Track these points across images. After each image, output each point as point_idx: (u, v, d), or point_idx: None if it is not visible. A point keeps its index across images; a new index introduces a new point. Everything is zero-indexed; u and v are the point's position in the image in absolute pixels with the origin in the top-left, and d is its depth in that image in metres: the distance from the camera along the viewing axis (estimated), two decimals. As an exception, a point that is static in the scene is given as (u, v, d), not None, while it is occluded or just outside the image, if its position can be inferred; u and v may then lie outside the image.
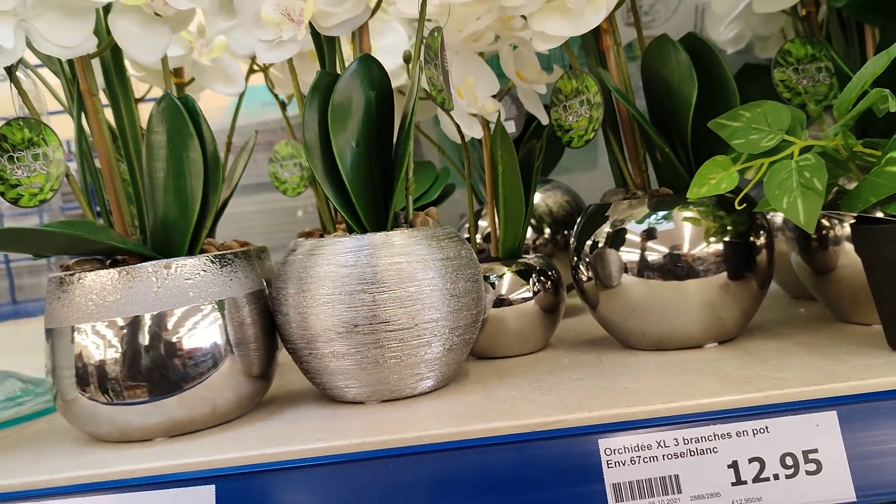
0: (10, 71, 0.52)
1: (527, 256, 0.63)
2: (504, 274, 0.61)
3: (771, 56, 0.74)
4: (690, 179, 0.54)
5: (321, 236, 0.55)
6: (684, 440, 0.42)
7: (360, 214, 0.50)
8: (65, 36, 0.50)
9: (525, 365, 0.58)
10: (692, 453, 0.41)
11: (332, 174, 0.50)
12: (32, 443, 0.52)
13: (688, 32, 0.57)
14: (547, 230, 0.79)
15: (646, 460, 0.41)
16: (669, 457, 0.41)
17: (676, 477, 0.41)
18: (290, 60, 0.55)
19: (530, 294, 0.61)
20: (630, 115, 0.59)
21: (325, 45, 0.56)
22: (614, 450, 0.42)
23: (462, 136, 0.64)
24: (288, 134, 0.82)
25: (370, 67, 0.51)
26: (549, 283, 0.61)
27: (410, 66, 0.60)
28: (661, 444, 0.42)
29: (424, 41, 0.51)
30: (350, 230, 0.54)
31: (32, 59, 0.59)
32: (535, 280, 0.61)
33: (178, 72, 0.69)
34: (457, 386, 0.53)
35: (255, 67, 0.73)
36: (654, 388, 0.46)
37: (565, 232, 0.79)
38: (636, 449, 0.42)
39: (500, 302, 0.60)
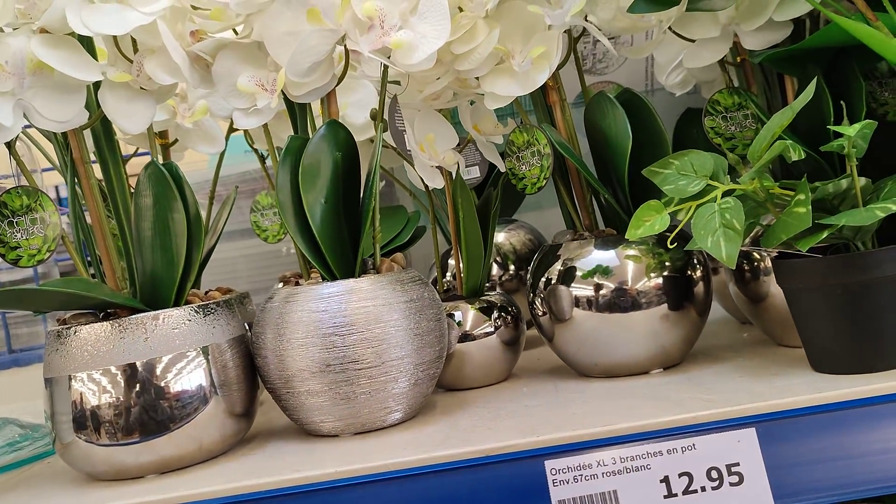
0: (10, 146, 0.57)
1: (489, 294, 0.68)
2: (468, 311, 0.66)
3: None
4: (629, 221, 0.59)
5: (297, 283, 0.60)
6: (621, 458, 0.47)
7: (330, 264, 0.56)
8: (59, 111, 0.55)
9: (488, 395, 0.63)
10: (628, 470, 0.47)
11: (304, 228, 0.56)
12: (34, 484, 0.57)
13: (624, 88, 0.63)
14: (511, 267, 0.84)
15: (587, 478, 0.46)
16: (608, 474, 0.46)
17: (615, 493, 0.46)
18: (265, 125, 0.61)
19: (492, 329, 0.66)
20: (576, 164, 0.65)
21: (296, 109, 0.61)
22: (559, 469, 0.47)
23: (426, 185, 0.69)
24: (268, 184, 0.88)
25: (337, 131, 0.57)
26: (510, 318, 0.67)
27: (375, 123, 0.66)
28: (601, 462, 0.47)
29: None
30: (323, 278, 0.59)
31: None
32: (497, 316, 0.66)
33: (162, 134, 0.75)
34: (424, 417, 0.58)
35: (235, 127, 0.79)
36: (600, 413, 0.52)
37: (521, 272, 0.85)
38: (578, 468, 0.47)
39: (465, 337, 0.66)
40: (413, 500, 0.46)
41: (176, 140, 0.73)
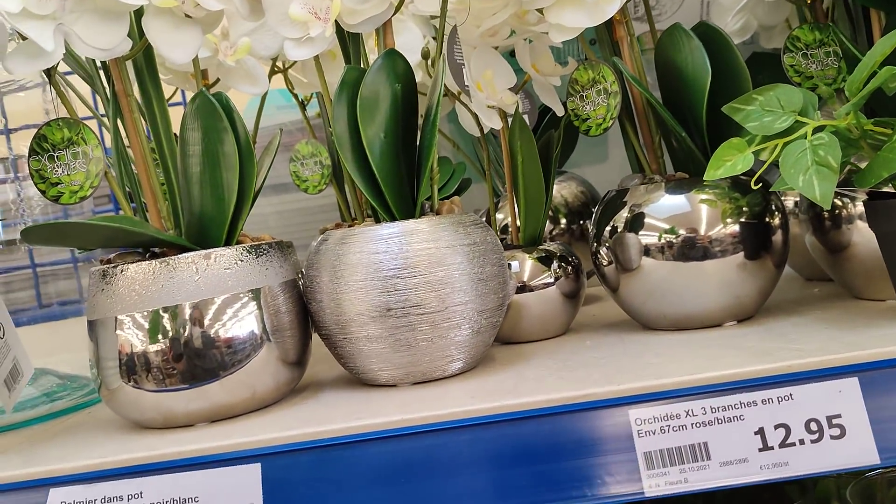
0: (50, 74, 0.54)
1: (546, 244, 0.65)
2: (525, 260, 0.63)
3: (777, 46, 0.76)
4: (705, 164, 0.55)
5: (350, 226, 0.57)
6: (711, 409, 0.43)
7: (390, 203, 0.52)
8: (101, 38, 0.52)
9: (549, 348, 0.59)
10: (719, 421, 0.43)
11: (362, 165, 0.52)
12: (78, 432, 0.54)
13: (699, 21, 0.59)
14: (563, 220, 0.81)
15: (675, 429, 0.43)
16: (698, 425, 0.43)
17: (705, 444, 0.43)
18: (316, 58, 0.57)
19: (552, 280, 0.62)
20: (645, 103, 0.61)
21: (349, 41, 0.58)
22: (644, 420, 0.43)
23: (481, 129, 0.65)
24: (308, 133, 0.84)
25: (395, 62, 0.53)
26: (570, 268, 0.63)
27: (433, 61, 0.62)
28: (690, 413, 0.43)
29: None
30: (377, 220, 0.56)
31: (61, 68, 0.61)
32: (557, 266, 0.63)
33: (203, 73, 0.71)
34: (484, 368, 0.55)
35: (277, 68, 0.75)
36: (679, 362, 0.48)
37: (580, 222, 0.81)
38: (665, 419, 0.43)
39: (522, 288, 0.62)
40: (487, 450, 0.43)
41: (217, 80, 0.70)
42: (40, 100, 0.84)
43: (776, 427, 0.43)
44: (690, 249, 0.57)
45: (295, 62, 0.77)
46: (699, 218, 0.57)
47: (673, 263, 0.57)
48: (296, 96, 0.82)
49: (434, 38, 0.78)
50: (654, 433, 0.43)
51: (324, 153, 0.81)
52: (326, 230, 0.83)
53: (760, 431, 0.43)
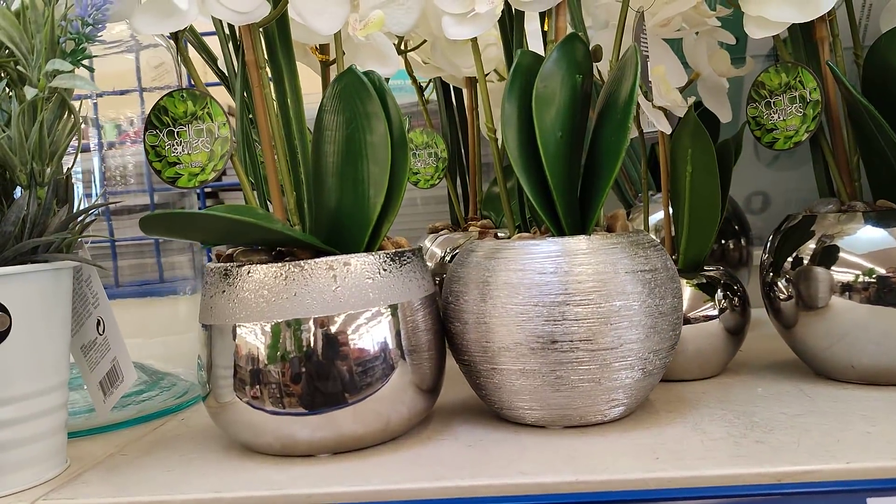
0: (178, 38, 0.47)
1: (708, 268, 0.56)
2: (685, 288, 0.54)
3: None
4: (925, 192, 0.47)
5: (496, 236, 0.49)
6: (972, 506, 0.35)
7: (560, 213, 0.44)
8: (239, 0, 0.45)
9: (713, 392, 0.51)
10: (982, 522, 0.35)
11: (531, 166, 0.44)
12: (176, 448, 0.48)
13: (927, 23, 0.50)
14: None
15: (924, 527, 0.35)
16: (954, 525, 0.35)
17: (963, 550, 0.34)
18: (474, 39, 0.50)
19: (715, 312, 0.54)
20: (843, 117, 0.52)
21: (510, 23, 0.50)
22: (886, 512, 0.35)
23: (640, 130, 0.57)
24: (424, 121, 0.77)
25: (576, 48, 0.45)
26: (737, 299, 0.55)
27: (612, 53, 0.54)
28: (944, 508, 0.35)
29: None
30: (525, 229, 0.48)
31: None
32: (721, 296, 0.54)
33: (323, 48, 0.64)
34: (647, 414, 0.47)
35: (401, 48, 0.68)
36: (908, 436, 0.40)
37: (722, 241, 0.72)
38: (913, 513, 0.35)
39: (678, 319, 0.54)
40: (688, 531, 0.35)
41: (343, 53, 0.62)
42: (130, 64, 0.78)
43: None
44: (894, 293, 0.48)
45: (421, 43, 0.70)
46: (908, 256, 0.48)
47: (871, 307, 0.49)
48: (415, 80, 0.75)
49: (570, 25, 0.70)
50: (897, 530, 0.35)
51: (440, 144, 0.74)
52: (437, 229, 0.76)
53: None
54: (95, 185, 0.66)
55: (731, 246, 0.72)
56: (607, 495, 0.36)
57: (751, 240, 0.74)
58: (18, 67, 0.40)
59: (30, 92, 0.39)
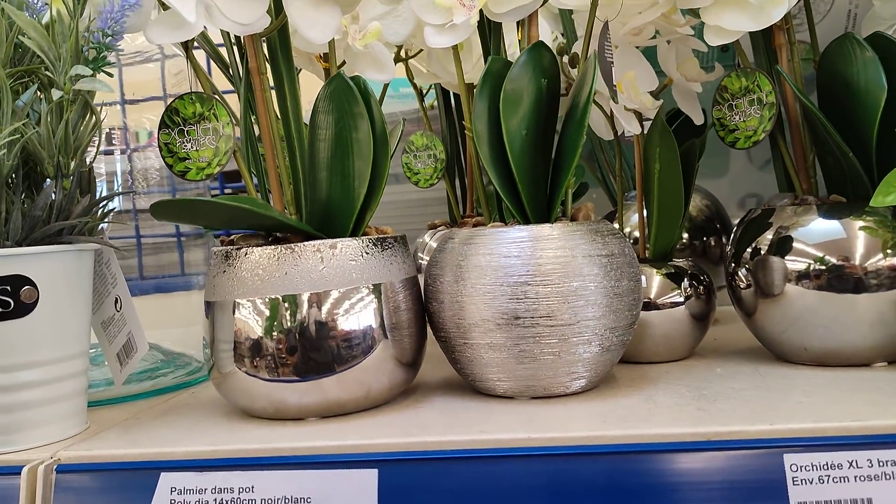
0: (187, 46, 0.53)
1: (678, 259, 0.60)
2: (653, 276, 0.59)
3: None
4: (870, 187, 0.51)
5: (476, 225, 0.54)
6: (879, 462, 0.39)
7: (525, 203, 0.49)
8: (242, 12, 0.50)
9: (676, 372, 0.55)
10: (888, 477, 0.39)
11: (499, 161, 0.49)
12: (185, 413, 0.53)
13: (874, 32, 0.54)
14: (685, 234, 0.76)
15: (835, 480, 0.39)
16: (862, 478, 0.39)
17: (870, 500, 0.38)
18: (454, 46, 0.55)
19: (681, 299, 0.58)
20: (801, 117, 0.56)
21: (489, 32, 0.55)
22: (801, 466, 0.39)
23: (615, 132, 0.62)
24: (423, 125, 0.82)
25: (542, 55, 0.50)
26: (702, 288, 0.59)
27: (571, 58, 0.59)
28: (854, 464, 0.39)
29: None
30: (503, 220, 0.53)
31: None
32: (687, 284, 0.59)
33: (325, 56, 0.69)
34: (609, 388, 0.52)
35: (402, 56, 0.73)
36: (837, 406, 0.44)
37: (704, 238, 0.76)
38: (825, 468, 0.39)
39: (648, 305, 0.58)
40: (621, 482, 0.40)
41: (342, 63, 0.68)
42: (156, 73, 0.84)
43: (956, 491, 0.38)
44: (842, 280, 0.52)
45: (420, 51, 0.75)
46: (855, 246, 0.52)
47: (821, 293, 0.53)
48: (415, 86, 0.80)
49: (562, 35, 0.75)
50: (810, 482, 0.39)
51: (438, 146, 0.79)
52: (436, 226, 0.81)
53: (936, 494, 0.38)
54: (118, 184, 0.72)
55: (713, 243, 0.76)
56: (553, 449, 0.41)
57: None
58: (47, 73, 0.46)
59: (56, 94, 0.45)
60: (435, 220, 0.81)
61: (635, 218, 0.73)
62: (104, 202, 0.50)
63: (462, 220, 0.79)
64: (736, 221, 0.83)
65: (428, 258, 0.77)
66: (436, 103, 0.83)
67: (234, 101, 0.58)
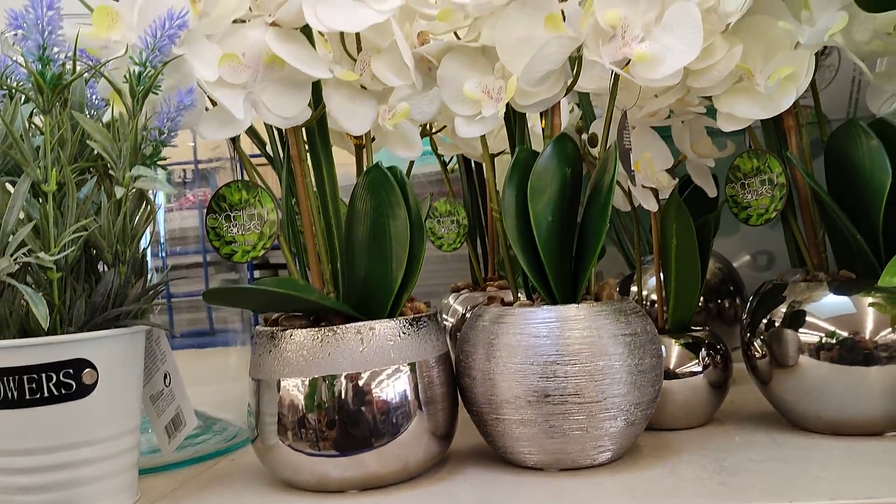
0: (235, 140, 0.56)
1: (696, 329, 0.63)
2: (672, 346, 0.62)
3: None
4: (877, 265, 0.54)
5: (503, 302, 0.57)
6: (894, 539, 0.41)
7: (552, 284, 0.52)
8: (286, 107, 0.54)
9: (696, 440, 0.58)
10: (902, 554, 0.41)
11: (527, 244, 0.52)
12: (229, 484, 0.56)
13: (878, 118, 0.57)
14: (700, 299, 0.79)
15: (853, 557, 0.41)
16: (878, 556, 0.41)
17: (885, 577, 0.41)
18: (483, 136, 0.58)
19: (699, 368, 0.61)
20: (812, 197, 0.59)
21: (514, 121, 0.58)
22: (820, 544, 0.41)
23: (633, 206, 0.65)
24: (447, 190, 0.86)
25: (566, 145, 0.53)
26: (719, 357, 0.62)
27: (590, 139, 0.62)
28: (870, 541, 0.41)
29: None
30: (528, 297, 0.56)
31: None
32: (705, 354, 0.61)
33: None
34: (633, 459, 0.54)
35: (426, 131, 0.77)
36: (851, 481, 0.46)
37: (718, 300, 0.79)
38: (843, 545, 0.41)
39: (667, 374, 0.61)
40: (652, 557, 0.42)
41: (373, 139, 0.72)
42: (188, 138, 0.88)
43: (967, 568, 0.40)
44: (854, 353, 0.54)
45: (444, 126, 0.79)
46: (865, 321, 0.55)
47: (833, 366, 0.55)
48: (440, 157, 0.84)
49: (578, 106, 0.79)
50: (830, 559, 0.41)
51: (461, 213, 0.82)
52: (459, 288, 0.84)
53: (949, 571, 0.40)
54: (162, 245, 0.75)
55: (727, 305, 0.79)
56: (585, 526, 0.43)
57: (745, 298, 0.81)
58: (109, 171, 0.50)
59: (119, 191, 0.49)
60: (458, 283, 0.85)
61: (652, 281, 0.76)
62: (157, 287, 0.54)
63: (486, 283, 0.83)
64: (747, 280, 0.86)
65: (452, 320, 0.81)
66: (457, 167, 0.87)
67: (266, 173, 0.62)
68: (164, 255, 0.85)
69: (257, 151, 0.65)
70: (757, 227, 1.00)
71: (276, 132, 0.59)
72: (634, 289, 0.79)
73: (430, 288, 0.96)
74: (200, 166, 0.83)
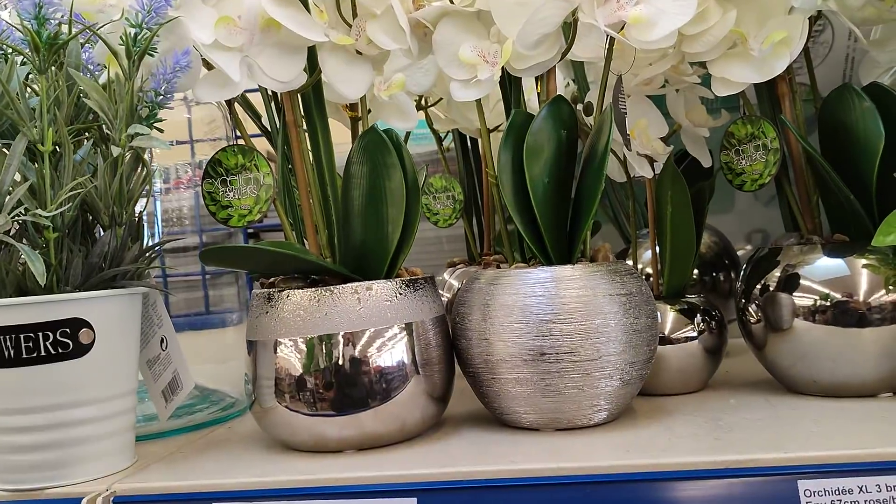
0: (230, 103, 0.56)
1: (690, 296, 0.64)
2: (668, 312, 0.62)
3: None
4: (871, 228, 0.54)
5: (498, 266, 0.57)
6: (887, 487, 0.41)
7: (548, 246, 0.52)
8: (281, 71, 0.54)
9: (691, 403, 0.58)
10: (895, 500, 0.41)
11: (524, 207, 0.53)
12: (225, 448, 0.56)
13: (872, 82, 0.58)
14: (695, 271, 0.79)
15: (847, 505, 0.41)
16: (872, 503, 0.41)
17: (879, 524, 0.41)
18: (478, 100, 0.58)
19: (694, 334, 0.61)
20: (805, 161, 0.60)
21: (509, 86, 0.59)
22: (814, 492, 0.42)
23: (628, 175, 0.65)
24: (441, 167, 0.86)
25: (561, 108, 0.54)
26: (714, 323, 0.62)
27: (585, 107, 0.62)
28: (863, 489, 0.42)
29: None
30: (524, 261, 0.56)
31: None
32: (700, 320, 0.62)
33: (352, 106, 0.73)
34: (629, 419, 0.54)
35: (423, 104, 0.77)
36: (846, 435, 0.46)
37: (713, 273, 0.79)
38: (837, 493, 0.42)
39: (662, 340, 0.61)
40: (647, 507, 0.43)
41: (369, 111, 0.72)
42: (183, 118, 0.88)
43: (960, 514, 0.41)
44: (848, 315, 0.55)
45: (439, 99, 0.79)
46: (859, 283, 0.55)
47: (827, 328, 0.55)
48: (434, 131, 0.84)
49: (573, 82, 0.79)
50: (824, 507, 0.42)
51: (457, 188, 0.83)
52: (455, 264, 0.84)
53: (942, 517, 0.41)
54: (158, 226, 0.76)
55: (722, 278, 0.80)
56: (580, 478, 0.44)
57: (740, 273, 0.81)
58: (106, 131, 0.50)
59: (115, 150, 0.49)
60: (454, 258, 0.85)
61: (648, 255, 0.77)
62: (154, 248, 0.54)
63: (482, 259, 0.83)
64: (743, 255, 0.87)
65: (449, 295, 0.81)
66: (452, 145, 0.87)
67: (261, 145, 0.62)
68: (159, 236, 0.85)
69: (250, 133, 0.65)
70: (752, 206, 1.00)
71: (272, 102, 0.59)
72: (630, 262, 0.80)
73: (427, 270, 0.96)
74: (196, 145, 0.83)
